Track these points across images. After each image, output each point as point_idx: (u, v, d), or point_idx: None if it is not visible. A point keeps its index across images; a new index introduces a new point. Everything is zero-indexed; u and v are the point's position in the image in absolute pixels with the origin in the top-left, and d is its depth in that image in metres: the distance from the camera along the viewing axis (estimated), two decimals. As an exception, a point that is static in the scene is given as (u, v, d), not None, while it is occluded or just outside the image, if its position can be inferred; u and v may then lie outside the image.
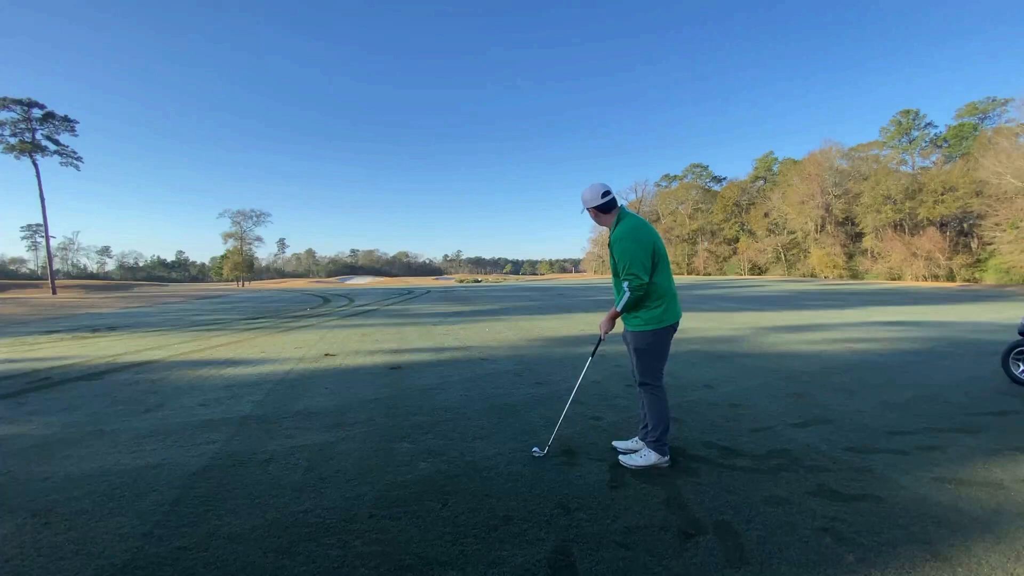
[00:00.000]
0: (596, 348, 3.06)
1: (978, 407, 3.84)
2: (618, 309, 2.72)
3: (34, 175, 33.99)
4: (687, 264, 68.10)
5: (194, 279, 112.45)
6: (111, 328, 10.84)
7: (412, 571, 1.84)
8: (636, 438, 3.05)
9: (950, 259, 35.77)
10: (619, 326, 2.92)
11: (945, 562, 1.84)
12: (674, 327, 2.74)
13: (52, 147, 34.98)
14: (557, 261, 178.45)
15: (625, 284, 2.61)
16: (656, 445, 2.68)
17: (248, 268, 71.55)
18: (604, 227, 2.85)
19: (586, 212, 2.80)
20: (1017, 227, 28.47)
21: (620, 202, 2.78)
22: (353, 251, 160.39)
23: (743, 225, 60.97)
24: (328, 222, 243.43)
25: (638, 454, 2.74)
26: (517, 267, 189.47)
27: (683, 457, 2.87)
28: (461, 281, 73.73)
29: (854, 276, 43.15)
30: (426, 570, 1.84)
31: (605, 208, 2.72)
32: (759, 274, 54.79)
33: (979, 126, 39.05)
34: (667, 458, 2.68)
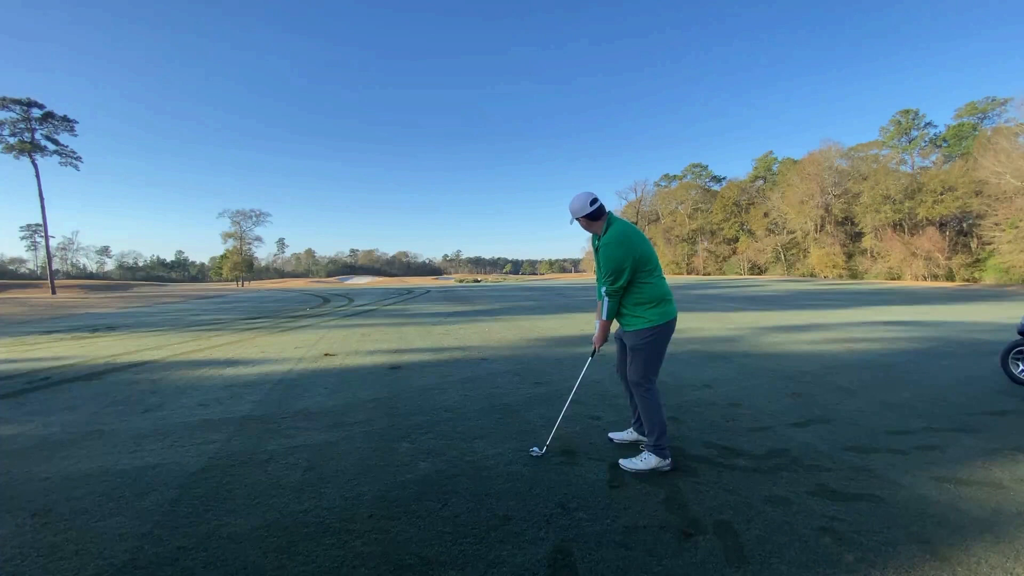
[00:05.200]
0: (590, 359, 3.07)
1: (977, 407, 3.84)
2: (605, 319, 2.76)
3: (33, 175, 33.95)
4: (687, 264, 68.07)
5: (193, 279, 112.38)
6: (110, 328, 10.83)
7: (412, 571, 1.84)
8: (631, 429, 3.09)
9: (949, 259, 35.76)
10: (613, 326, 2.93)
11: (945, 562, 1.84)
12: (672, 324, 2.76)
13: (51, 147, 34.87)
14: (557, 261, 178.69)
15: (603, 288, 2.68)
16: (655, 449, 2.68)
17: (247, 268, 71.53)
18: (595, 233, 2.85)
19: (575, 222, 2.82)
20: (1016, 227, 28.47)
21: (609, 208, 2.80)
22: (353, 251, 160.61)
23: (743, 225, 60.95)
24: (328, 222, 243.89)
25: (638, 458, 2.74)
26: (517, 267, 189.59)
27: (683, 457, 2.88)
28: (461, 281, 73.77)
29: (853, 276, 43.14)
30: (426, 570, 1.85)
31: (594, 216, 2.74)
32: (759, 274, 54.79)
33: (979, 126, 39.01)
34: (668, 461, 2.67)
